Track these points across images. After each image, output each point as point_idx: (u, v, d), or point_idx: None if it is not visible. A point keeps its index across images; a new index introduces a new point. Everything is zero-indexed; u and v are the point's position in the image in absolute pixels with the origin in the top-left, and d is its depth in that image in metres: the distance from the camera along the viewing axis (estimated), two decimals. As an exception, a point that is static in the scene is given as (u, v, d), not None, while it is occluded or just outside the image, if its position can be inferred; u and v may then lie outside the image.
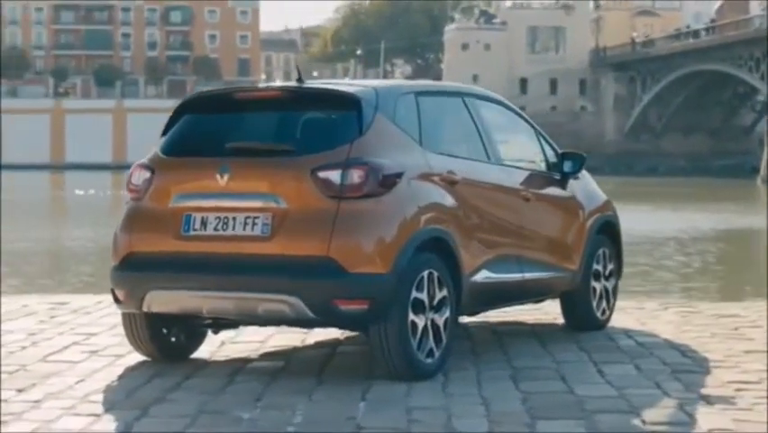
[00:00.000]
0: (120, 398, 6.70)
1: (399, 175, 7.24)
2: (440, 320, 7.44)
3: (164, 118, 8.15)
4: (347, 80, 7.99)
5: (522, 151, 8.99)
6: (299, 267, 6.99)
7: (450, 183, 7.66)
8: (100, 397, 6.71)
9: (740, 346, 8.60)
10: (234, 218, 7.18)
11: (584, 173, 9.60)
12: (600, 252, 9.43)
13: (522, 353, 8.31)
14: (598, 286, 9.38)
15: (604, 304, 9.47)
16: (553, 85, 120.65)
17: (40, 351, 8.30)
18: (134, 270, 7.45)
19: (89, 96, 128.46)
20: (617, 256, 9.78)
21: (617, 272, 9.76)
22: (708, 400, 6.73)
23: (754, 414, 6.38)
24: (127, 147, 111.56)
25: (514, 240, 8.32)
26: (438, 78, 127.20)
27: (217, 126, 7.58)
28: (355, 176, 7.07)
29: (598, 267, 9.39)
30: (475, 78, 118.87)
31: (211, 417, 6.20)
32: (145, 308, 7.43)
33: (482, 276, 7.91)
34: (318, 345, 8.67)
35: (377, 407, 6.48)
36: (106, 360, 7.96)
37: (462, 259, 7.64)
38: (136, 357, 7.97)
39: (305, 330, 8.81)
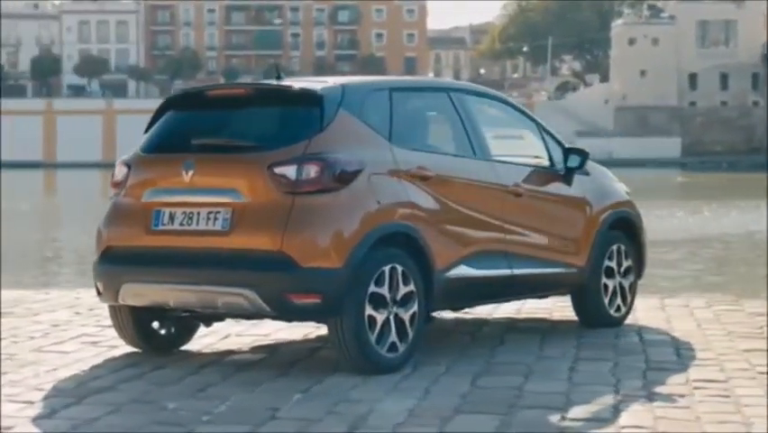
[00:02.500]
0: (69, 386, 6.93)
1: (358, 170, 7.31)
2: (405, 315, 7.48)
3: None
4: (322, 77, 8.09)
5: (519, 146, 8.94)
6: (255, 261, 7.13)
7: (421, 178, 7.69)
8: (51, 385, 6.95)
9: (744, 345, 8.44)
10: (198, 213, 7.36)
11: (599, 169, 9.52)
12: (614, 248, 9.32)
13: (512, 349, 8.31)
14: (610, 283, 9.26)
15: (618, 301, 9.35)
16: (724, 80, 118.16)
17: (43, 341, 8.62)
18: (111, 263, 7.70)
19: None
20: (638, 253, 9.64)
21: (637, 269, 9.63)
22: (652, 398, 6.65)
23: (685, 412, 6.30)
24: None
25: (500, 235, 8.28)
26: (606, 73, 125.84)
27: (189, 123, 7.77)
28: (310, 171, 7.17)
29: (610, 264, 9.28)
30: (643, 74, 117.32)
31: (137, 406, 6.38)
32: (121, 301, 7.67)
33: (460, 271, 7.91)
34: (318, 339, 8.78)
35: (310, 398, 6.58)
36: (98, 350, 8.22)
37: (434, 254, 7.66)
38: (130, 349, 8.20)
39: (316, 325, 8.94)
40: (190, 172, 7.38)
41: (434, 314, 9.82)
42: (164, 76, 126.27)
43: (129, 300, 7.66)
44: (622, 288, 9.41)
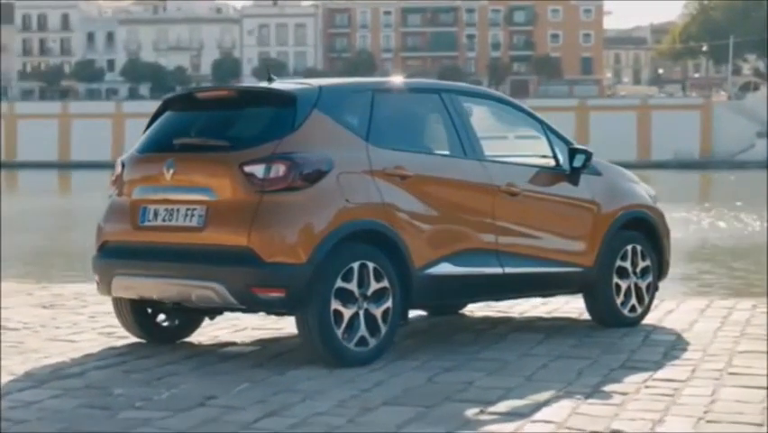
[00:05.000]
0: (42, 372, 7.33)
1: (325, 170, 7.54)
2: (377, 311, 7.67)
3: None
4: (310, 79, 8.35)
5: (520, 146, 9.06)
6: (225, 256, 7.44)
7: (400, 177, 7.87)
8: (24, 371, 7.37)
9: (745, 347, 8.42)
10: (178, 210, 7.72)
11: (613, 169, 9.56)
12: (628, 248, 9.33)
13: (505, 346, 8.42)
14: (623, 283, 9.28)
15: (633, 301, 9.36)
16: None
17: (64, 331, 9.09)
18: (105, 257, 8.12)
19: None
20: (658, 254, 9.63)
21: (657, 270, 9.61)
22: (592, 395, 6.73)
23: (609, 409, 6.38)
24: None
25: (490, 234, 8.39)
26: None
27: (178, 124, 8.11)
28: (278, 170, 7.44)
29: (623, 264, 9.29)
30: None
31: (85, 391, 6.75)
32: (114, 293, 8.08)
33: (441, 269, 8.05)
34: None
35: (254, 388, 6.85)
36: (105, 341, 8.63)
37: (411, 251, 7.83)
38: (137, 340, 8.59)
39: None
40: (171, 171, 7.74)
41: (462, 311, 10.14)
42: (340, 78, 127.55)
43: (120, 293, 8.06)
44: (638, 288, 9.41)
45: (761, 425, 6.03)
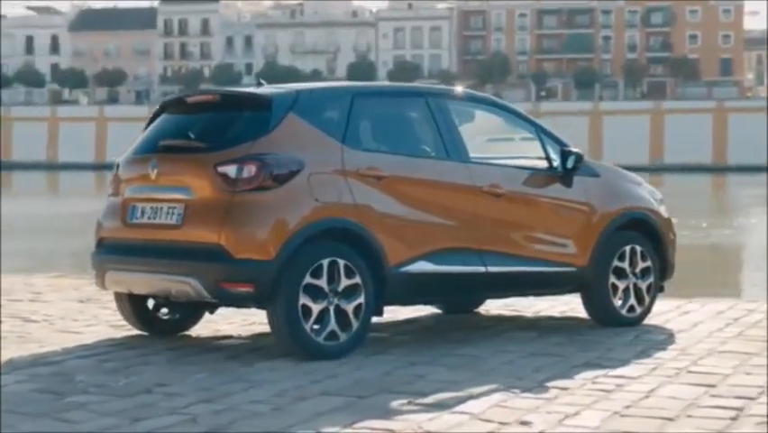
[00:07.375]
0: (24, 360, 7.79)
1: (295, 170, 7.86)
2: (348, 306, 7.96)
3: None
4: (297, 84, 8.67)
5: (510, 149, 9.25)
6: (199, 253, 7.83)
7: (375, 178, 8.15)
8: (7, 358, 7.83)
9: (731, 347, 8.49)
10: (161, 208, 8.14)
11: (614, 171, 9.71)
12: (627, 249, 9.45)
13: (492, 344, 8.60)
14: (621, 283, 9.40)
15: (632, 301, 9.48)
16: None
17: (78, 324, 9.56)
18: (101, 253, 8.57)
19: (569, 99, 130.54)
20: (660, 255, 9.72)
21: (659, 271, 9.70)
22: (531, 389, 6.92)
23: (534, 402, 6.57)
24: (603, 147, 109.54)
25: (471, 234, 8.60)
26: None
27: (168, 127, 8.51)
28: (249, 170, 7.80)
29: (621, 264, 9.42)
30: None
31: (49, 377, 7.17)
32: (107, 287, 8.52)
33: (418, 267, 8.30)
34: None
35: (208, 378, 7.20)
36: (109, 332, 9.07)
37: (385, 250, 8.10)
38: (139, 332, 9.01)
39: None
40: (155, 171, 8.16)
41: (478, 309, 10.36)
42: (473, 81, 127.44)
43: (112, 287, 8.51)
44: (638, 289, 9.51)
45: (671, 420, 6.16)
